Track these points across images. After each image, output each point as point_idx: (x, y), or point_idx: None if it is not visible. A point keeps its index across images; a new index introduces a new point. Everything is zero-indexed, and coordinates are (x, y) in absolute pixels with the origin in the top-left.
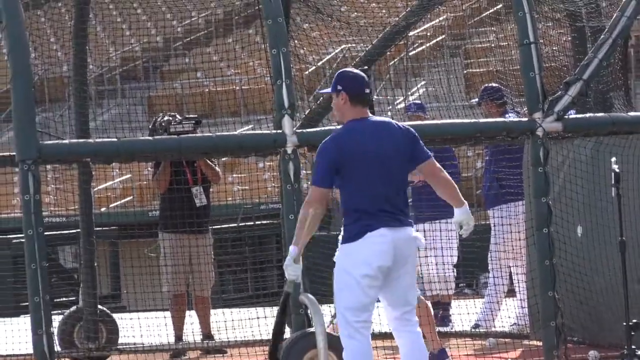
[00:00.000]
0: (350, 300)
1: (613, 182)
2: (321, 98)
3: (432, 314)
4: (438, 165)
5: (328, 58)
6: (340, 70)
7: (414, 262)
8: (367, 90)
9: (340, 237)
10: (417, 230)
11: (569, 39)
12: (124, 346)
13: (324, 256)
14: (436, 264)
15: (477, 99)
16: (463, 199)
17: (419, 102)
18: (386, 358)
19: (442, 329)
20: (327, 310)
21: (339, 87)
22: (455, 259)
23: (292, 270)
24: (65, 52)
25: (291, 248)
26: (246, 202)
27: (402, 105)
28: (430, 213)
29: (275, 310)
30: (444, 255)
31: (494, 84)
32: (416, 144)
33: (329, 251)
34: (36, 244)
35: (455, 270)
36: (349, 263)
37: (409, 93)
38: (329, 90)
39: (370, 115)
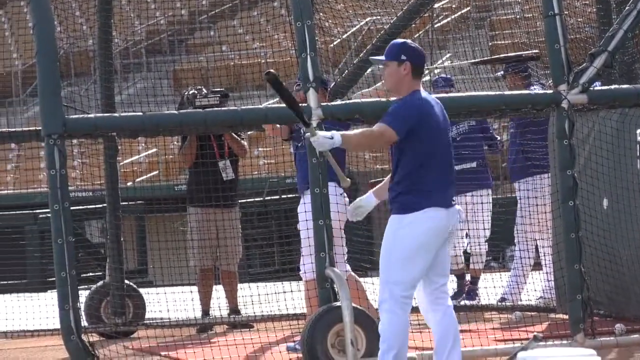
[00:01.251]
0: (404, 274)
1: (638, 154)
2: (346, 71)
3: (362, 287)
4: None
5: (353, 31)
6: (403, 41)
7: (454, 234)
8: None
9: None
10: (459, 203)
11: (594, 10)
12: (151, 321)
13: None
14: (471, 237)
15: (501, 71)
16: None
17: (446, 76)
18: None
19: (468, 303)
20: None
21: (404, 57)
22: (488, 233)
23: (320, 146)
24: (90, 26)
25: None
26: (272, 175)
27: (427, 77)
28: (470, 184)
29: (301, 284)
30: (478, 229)
31: None
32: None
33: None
34: (62, 218)
35: (487, 244)
36: (406, 235)
37: (434, 66)
38: (382, 58)
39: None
